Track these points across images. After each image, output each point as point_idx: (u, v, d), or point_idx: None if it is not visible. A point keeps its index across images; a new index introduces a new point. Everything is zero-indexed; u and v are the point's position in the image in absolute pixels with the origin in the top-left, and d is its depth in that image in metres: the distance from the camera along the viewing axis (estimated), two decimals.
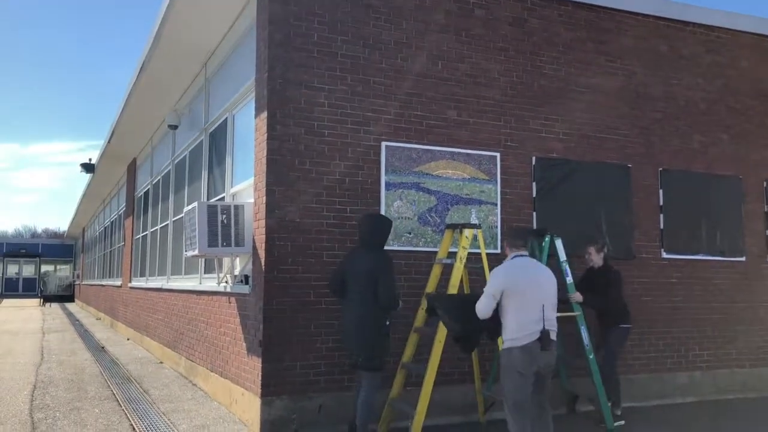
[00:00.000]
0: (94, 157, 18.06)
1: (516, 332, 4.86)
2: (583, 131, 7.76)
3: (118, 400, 7.67)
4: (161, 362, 10.99)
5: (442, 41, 7.12)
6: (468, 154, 7.14)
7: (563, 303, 6.27)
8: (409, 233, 6.78)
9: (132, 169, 16.43)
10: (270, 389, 6.08)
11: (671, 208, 8.11)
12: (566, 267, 6.75)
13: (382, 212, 6.65)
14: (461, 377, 6.83)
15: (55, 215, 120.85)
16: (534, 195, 7.43)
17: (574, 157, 7.68)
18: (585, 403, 7.27)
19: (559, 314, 5.59)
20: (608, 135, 7.90)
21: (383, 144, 6.74)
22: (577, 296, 6.72)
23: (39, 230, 74.52)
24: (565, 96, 7.70)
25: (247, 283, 6.82)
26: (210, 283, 8.38)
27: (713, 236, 8.35)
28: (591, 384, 6.75)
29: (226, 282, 7.60)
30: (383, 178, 6.72)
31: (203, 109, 9.49)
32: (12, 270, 48.59)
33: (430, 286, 6.44)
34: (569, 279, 6.71)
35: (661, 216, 8.08)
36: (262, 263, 6.24)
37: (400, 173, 6.81)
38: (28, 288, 47.40)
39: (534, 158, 7.47)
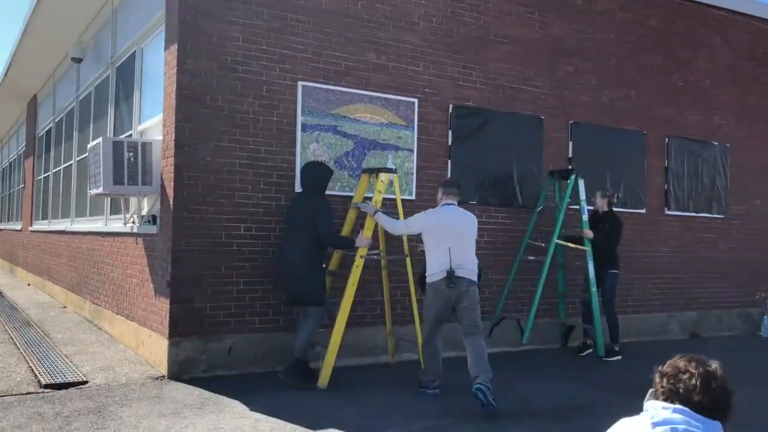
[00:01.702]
0: None
1: (429, 270, 5.60)
2: (499, 81, 7.85)
3: (15, 344, 7.34)
4: (65, 307, 10.57)
5: None
6: (386, 99, 7.09)
7: (573, 240, 7.72)
8: None
9: (32, 106, 15.40)
10: (178, 330, 5.97)
11: (579, 159, 8.39)
12: (584, 205, 7.62)
13: (298, 154, 6.54)
14: (373, 320, 6.93)
15: None
16: (450, 143, 7.50)
17: (490, 107, 7.77)
18: (576, 339, 8.04)
19: (570, 245, 7.66)
20: (523, 86, 8.04)
21: (300, 84, 6.58)
22: (588, 232, 7.57)
23: None
24: (483, 45, 7.74)
25: (154, 223, 6.59)
26: (116, 224, 8.06)
27: (617, 188, 8.73)
28: (588, 317, 7.68)
29: (133, 222, 7.33)
30: (299, 119, 6.58)
31: (110, 42, 8.95)
32: None
33: (347, 230, 6.52)
34: (585, 217, 7.61)
35: (569, 167, 8.34)
36: (171, 203, 6.04)
37: (317, 115, 6.69)
38: None
39: (451, 106, 7.51)
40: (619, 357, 7.61)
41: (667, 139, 9.27)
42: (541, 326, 7.84)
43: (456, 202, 5.79)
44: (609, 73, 8.77)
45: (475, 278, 5.59)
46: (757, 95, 10.28)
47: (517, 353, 7.65)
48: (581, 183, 7.62)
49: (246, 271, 6.28)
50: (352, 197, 6.71)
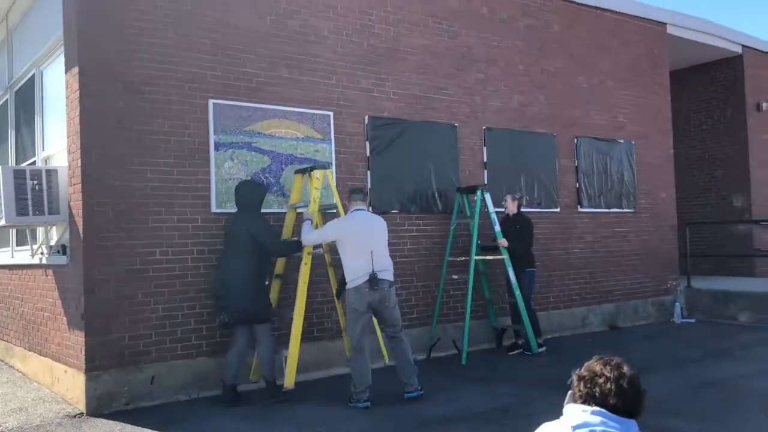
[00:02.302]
0: None
1: (350, 275, 5.72)
2: (412, 91, 7.95)
3: None
4: None
5: None
6: (301, 113, 7.06)
7: (490, 249, 7.98)
8: None
9: None
10: (95, 363, 5.72)
11: (494, 164, 8.60)
12: (494, 217, 7.79)
13: (212, 173, 6.42)
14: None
15: None
16: (368, 154, 7.54)
17: (405, 117, 7.86)
18: (509, 338, 8.26)
19: (489, 257, 7.90)
20: (436, 95, 8.17)
21: (211, 102, 6.46)
22: (503, 242, 7.77)
23: None
24: (394, 56, 7.83)
25: (64, 253, 6.30)
26: (24, 256, 7.65)
27: (531, 190, 9.01)
28: (517, 318, 7.89)
29: (42, 253, 6.98)
30: (212, 138, 6.46)
31: (6, 65, 8.52)
32: None
33: (286, 233, 6.56)
34: (497, 227, 7.78)
35: (485, 172, 8.55)
36: (81, 231, 5.79)
37: (231, 132, 6.58)
38: None
39: (367, 117, 7.55)
40: (544, 348, 7.92)
41: (576, 140, 9.64)
42: (473, 328, 7.95)
43: (365, 207, 6.03)
44: (517, 78, 9.04)
45: (392, 278, 5.85)
46: (655, 93, 10.84)
47: (452, 356, 7.73)
48: (488, 196, 7.76)
49: (164, 297, 6.10)
50: (263, 214, 6.60)
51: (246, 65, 6.70)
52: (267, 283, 6.27)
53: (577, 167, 9.63)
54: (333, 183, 6.77)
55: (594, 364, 2.25)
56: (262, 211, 6.32)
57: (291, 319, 6.18)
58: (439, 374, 6.84)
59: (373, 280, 5.60)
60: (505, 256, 7.79)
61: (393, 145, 7.73)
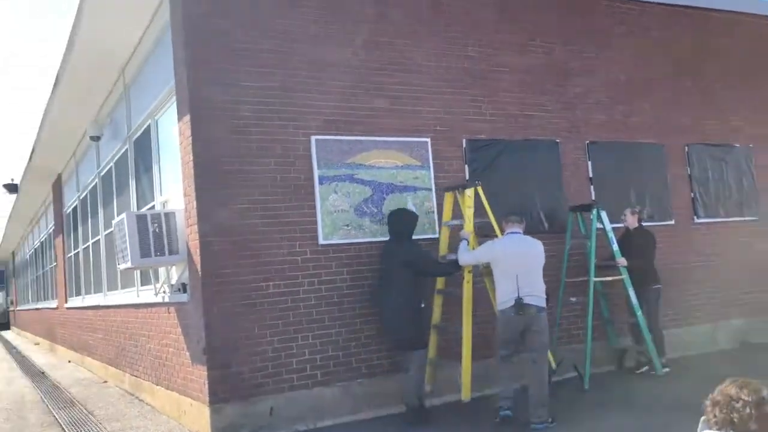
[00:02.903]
0: (15, 176, 17.27)
1: (499, 298, 5.86)
2: (509, 110, 7.86)
3: (61, 425, 7.39)
4: (105, 381, 10.63)
5: (363, 30, 7.07)
6: (399, 142, 7.13)
7: (606, 267, 7.59)
8: (347, 225, 6.73)
9: (57, 186, 15.79)
10: (218, 396, 5.95)
11: (600, 179, 8.31)
12: (612, 236, 7.46)
13: (318, 206, 6.58)
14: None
15: None
16: (467, 177, 7.49)
17: (504, 136, 7.77)
18: (631, 359, 7.96)
19: (608, 278, 7.54)
20: (534, 112, 8.03)
21: (313, 138, 6.65)
22: (622, 261, 7.43)
23: None
24: (489, 77, 7.78)
25: (185, 291, 6.64)
26: (148, 295, 8.13)
27: (642, 203, 8.61)
28: (639, 339, 7.59)
29: (164, 292, 7.39)
30: (316, 173, 6.64)
31: (125, 117, 9.17)
32: None
33: (442, 249, 6.87)
34: (615, 246, 7.45)
35: (591, 188, 8.27)
36: (199, 270, 6.09)
37: (333, 166, 6.74)
38: None
39: (464, 140, 7.52)
40: (668, 369, 7.52)
41: (686, 147, 9.16)
42: (593, 350, 7.60)
43: (521, 230, 6.10)
44: (619, 88, 8.73)
45: (543, 304, 5.81)
46: None
47: (572, 380, 7.43)
48: (604, 215, 7.44)
49: (279, 329, 6.27)
50: (376, 243, 6.74)
51: (344, 100, 6.87)
52: (422, 306, 6.39)
53: (690, 176, 9.14)
54: (484, 198, 6.76)
55: (729, 388, 2.09)
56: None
57: (457, 333, 6.48)
58: (562, 401, 6.58)
59: (518, 305, 5.65)
60: (625, 276, 7.44)
61: (493, 167, 7.64)
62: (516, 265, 5.78)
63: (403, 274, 6.15)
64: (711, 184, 9.31)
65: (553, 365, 6.81)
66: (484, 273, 6.64)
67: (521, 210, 7.56)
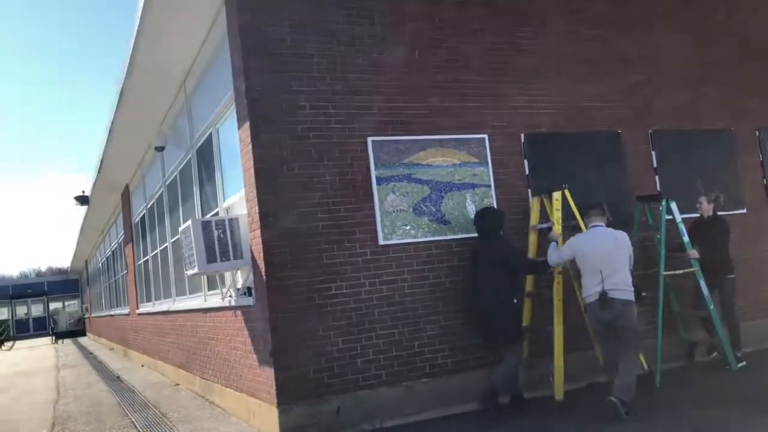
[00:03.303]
0: (86, 188, 18.01)
1: (584, 292, 5.97)
2: (567, 103, 7.70)
3: (137, 427, 7.65)
4: (177, 384, 10.97)
5: (415, 29, 7.06)
6: (456, 140, 7.10)
7: (677, 260, 7.35)
8: (406, 225, 6.74)
9: (126, 196, 16.39)
10: (286, 397, 6.05)
11: (665, 168, 8.05)
12: (682, 227, 7.25)
13: (376, 207, 6.62)
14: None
15: (56, 251, 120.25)
16: (527, 172, 7.39)
17: (563, 130, 7.63)
18: (702, 354, 7.77)
19: (678, 271, 7.28)
20: (594, 103, 7.85)
21: (369, 139, 6.69)
22: (693, 253, 7.22)
23: (43, 269, 74.42)
24: (545, 69, 7.65)
25: (250, 294, 6.78)
26: (215, 300, 8.34)
27: (711, 191, 8.28)
28: (712, 332, 7.43)
29: (230, 296, 7.57)
30: (373, 174, 6.67)
31: (187, 127, 9.45)
32: (21, 311, 48.54)
33: (531, 252, 7.02)
34: (686, 238, 7.23)
35: (656, 177, 8.02)
36: (263, 273, 6.21)
37: (390, 167, 6.76)
38: (39, 327, 47.32)
39: (523, 135, 7.42)
40: (744, 363, 7.26)
41: (758, 132, 8.78)
42: (663, 345, 7.38)
43: (604, 223, 6.13)
44: (681, 74, 8.44)
45: (630, 297, 5.78)
46: None
47: (642, 377, 7.19)
48: (674, 205, 7.22)
49: (342, 330, 6.33)
50: (435, 242, 6.75)
51: (399, 100, 6.88)
52: (515, 301, 6.55)
53: (762, 162, 8.75)
54: (572, 201, 6.86)
55: None
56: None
57: (549, 334, 6.61)
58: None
59: (603, 299, 5.70)
60: (696, 268, 7.20)
61: (554, 161, 7.50)
62: (599, 259, 5.80)
63: (498, 270, 6.33)
64: None
65: (644, 366, 6.79)
66: (572, 277, 6.71)
67: (583, 203, 7.44)
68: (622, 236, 6.05)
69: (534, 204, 7.10)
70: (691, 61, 8.54)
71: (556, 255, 6.34)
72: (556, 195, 6.77)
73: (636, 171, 7.95)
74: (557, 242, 6.47)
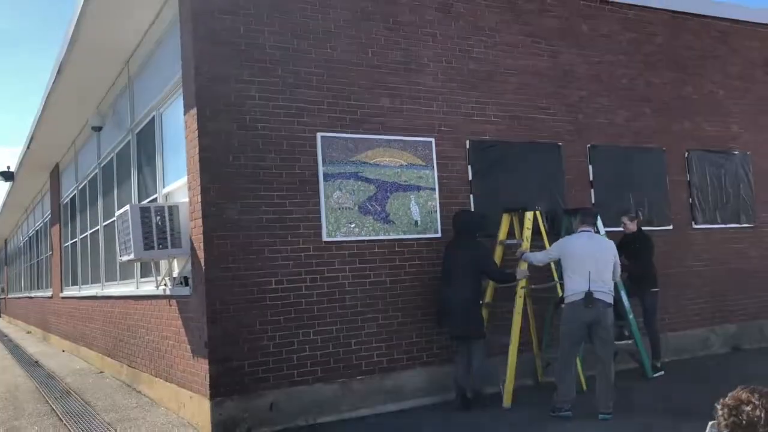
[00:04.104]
0: (11, 164, 17.19)
1: (568, 291, 6.06)
2: (513, 112, 7.90)
3: (58, 415, 7.39)
4: (101, 372, 10.63)
5: (370, 29, 7.10)
6: (404, 141, 7.16)
7: None
8: (351, 223, 6.76)
9: (55, 175, 15.74)
10: (219, 390, 5.97)
11: (601, 182, 8.37)
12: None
13: (322, 203, 6.61)
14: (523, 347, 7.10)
15: None
16: (470, 178, 7.54)
17: (507, 138, 7.81)
18: (626, 361, 7.91)
19: None
20: (537, 115, 8.08)
21: (318, 135, 6.68)
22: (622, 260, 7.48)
23: None
24: (494, 79, 7.82)
25: (187, 284, 6.66)
26: (148, 287, 8.14)
27: (642, 207, 8.67)
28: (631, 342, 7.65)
29: (165, 285, 7.40)
30: (321, 170, 6.66)
31: (128, 109, 9.17)
32: None
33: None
34: None
35: (592, 191, 8.33)
36: (202, 263, 6.11)
37: (338, 163, 6.77)
38: None
39: (468, 142, 7.56)
40: (662, 372, 7.66)
41: (687, 153, 9.24)
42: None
43: (591, 230, 6.39)
44: (622, 93, 8.79)
45: (611, 301, 6.06)
46: None
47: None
48: (598, 219, 7.41)
49: (280, 324, 6.30)
50: (378, 242, 6.82)
51: (350, 98, 6.89)
52: (481, 302, 6.84)
53: (689, 182, 9.22)
54: (542, 224, 7.12)
55: (740, 392, 2.13)
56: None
57: (505, 343, 6.79)
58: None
59: (588, 298, 5.86)
60: (618, 281, 7.45)
61: (495, 168, 7.69)
62: (587, 260, 5.98)
63: (471, 270, 6.54)
64: (709, 190, 9.39)
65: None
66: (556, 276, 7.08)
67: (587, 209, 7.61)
68: (610, 244, 6.38)
69: (504, 220, 7.25)
70: (632, 81, 8.90)
71: (541, 254, 6.53)
72: (529, 215, 6.96)
73: (574, 183, 8.23)
74: (528, 255, 6.65)
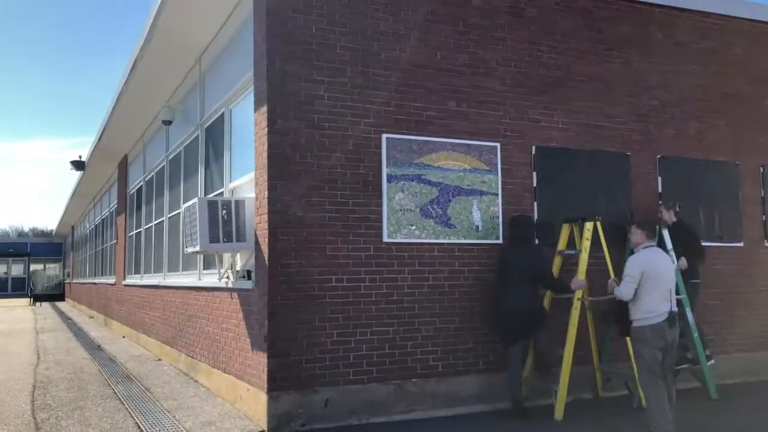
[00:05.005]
0: (83, 154, 17.89)
1: (648, 311, 5.65)
2: (581, 120, 7.75)
3: (120, 398, 7.62)
4: (159, 359, 10.93)
5: (440, 31, 7.08)
6: (468, 145, 7.12)
7: None
8: (412, 225, 6.76)
9: (123, 166, 16.29)
10: (276, 384, 6.05)
11: (669, 194, 8.12)
12: (673, 255, 7.23)
13: (384, 204, 6.63)
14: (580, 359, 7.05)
15: (42, 214, 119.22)
16: (534, 184, 7.43)
17: (574, 146, 7.67)
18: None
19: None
20: (606, 123, 7.90)
21: (384, 136, 6.70)
22: (682, 263, 7.35)
23: (26, 229, 73.71)
24: (563, 85, 7.69)
25: (249, 278, 6.77)
26: (210, 279, 8.32)
27: (711, 222, 8.39)
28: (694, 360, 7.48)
29: (228, 278, 7.55)
30: (384, 171, 6.68)
31: (198, 104, 9.40)
32: (0, 270, 48.19)
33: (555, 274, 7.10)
34: (675, 265, 7.10)
35: (660, 203, 8.08)
36: (266, 258, 6.20)
37: (402, 165, 6.78)
38: (18, 288, 47.05)
39: (534, 148, 7.46)
40: (713, 361, 7.54)
41: (762, 168, 8.88)
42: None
43: (654, 244, 6.08)
44: (694, 104, 8.52)
45: None
46: None
47: (622, 397, 7.32)
48: (665, 232, 7.32)
49: (338, 323, 6.34)
50: (438, 245, 6.80)
51: (417, 100, 6.89)
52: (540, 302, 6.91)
53: (763, 198, 8.85)
54: (602, 235, 7.02)
55: None
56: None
57: (559, 355, 6.74)
58: (613, 419, 6.49)
59: (672, 319, 5.64)
60: (684, 296, 7.22)
61: (561, 176, 7.55)
62: (670, 279, 5.79)
63: (529, 272, 6.59)
64: None
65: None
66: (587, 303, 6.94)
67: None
68: (671, 258, 6.34)
69: (564, 230, 7.19)
70: (706, 92, 8.61)
71: (625, 284, 5.77)
72: (588, 225, 6.86)
73: (641, 194, 8.01)
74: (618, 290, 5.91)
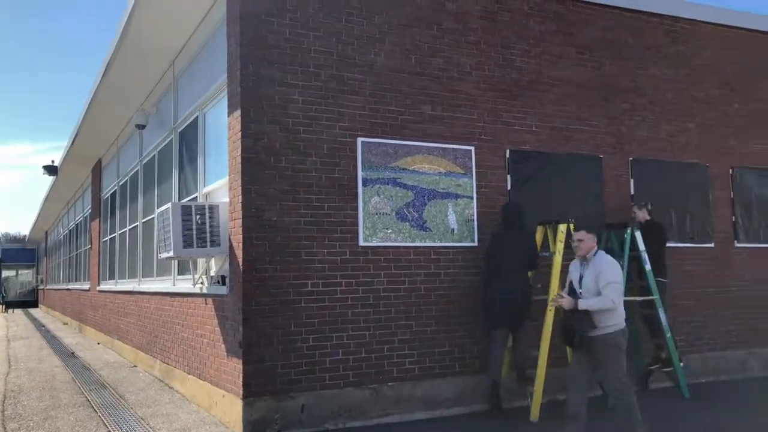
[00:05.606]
0: (56, 158, 17.62)
1: (621, 316, 5.50)
2: (554, 123, 7.83)
3: (93, 406, 7.52)
4: (135, 366, 10.80)
5: (414, 35, 7.11)
6: (443, 149, 7.15)
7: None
8: (387, 229, 6.76)
9: (97, 171, 16.08)
10: (251, 390, 6.02)
11: (642, 196, 8.22)
12: (645, 256, 7.33)
13: (360, 208, 6.63)
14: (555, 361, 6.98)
15: (15, 219, 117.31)
16: (509, 187, 7.48)
17: (547, 149, 7.74)
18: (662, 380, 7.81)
19: (638, 298, 7.46)
20: (579, 126, 7.99)
21: (359, 140, 6.70)
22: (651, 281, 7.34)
23: None
24: (536, 89, 7.76)
25: (224, 283, 6.73)
26: (184, 285, 8.25)
27: (683, 223, 8.52)
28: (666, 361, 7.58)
29: (202, 283, 7.49)
30: (360, 174, 6.68)
31: (172, 108, 9.32)
32: None
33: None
34: (648, 266, 7.32)
35: (633, 205, 8.18)
36: (240, 263, 6.17)
37: (377, 169, 6.78)
38: None
39: (508, 151, 7.51)
40: (682, 363, 7.59)
41: (731, 170, 9.04)
42: None
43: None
44: (665, 107, 8.65)
45: None
46: None
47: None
48: (638, 234, 7.33)
49: (314, 327, 6.32)
50: (415, 248, 6.80)
51: (392, 103, 6.91)
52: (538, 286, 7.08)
53: (732, 199, 9.01)
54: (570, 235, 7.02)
55: None
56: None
57: (534, 356, 6.77)
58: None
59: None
60: (657, 297, 7.33)
61: (534, 179, 7.62)
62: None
63: (523, 259, 6.80)
64: (754, 208, 9.17)
65: None
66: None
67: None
68: None
69: (538, 232, 7.21)
70: (677, 96, 8.74)
71: (616, 295, 5.40)
72: (562, 227, 6.88)
73: (613, 197, 8.11)
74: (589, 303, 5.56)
